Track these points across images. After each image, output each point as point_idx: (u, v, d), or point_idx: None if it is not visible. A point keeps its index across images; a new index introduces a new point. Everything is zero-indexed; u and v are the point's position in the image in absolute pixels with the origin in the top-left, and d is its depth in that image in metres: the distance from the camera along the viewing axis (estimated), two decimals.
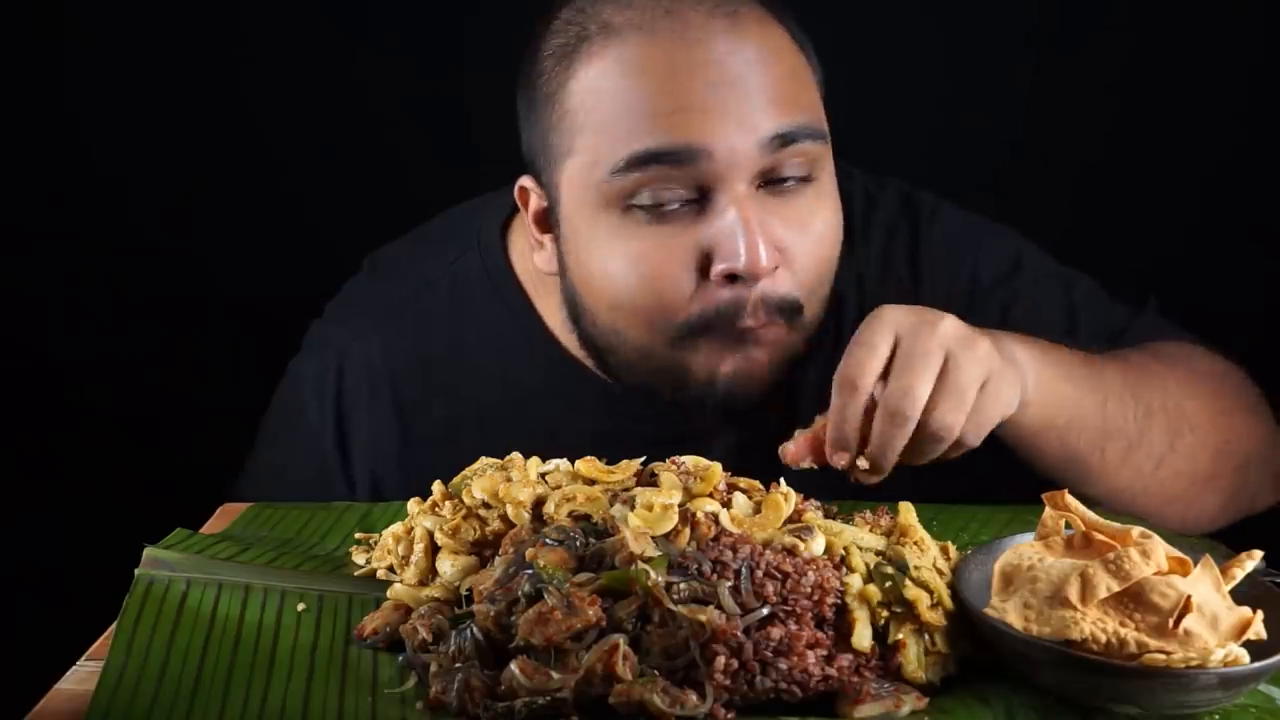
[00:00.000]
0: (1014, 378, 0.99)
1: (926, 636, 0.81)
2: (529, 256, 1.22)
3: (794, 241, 1.09)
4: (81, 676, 0.85)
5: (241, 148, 1.94)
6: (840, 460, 0.95)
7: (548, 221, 1.17)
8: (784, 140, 1.07)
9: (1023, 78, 1.91)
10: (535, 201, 1.17)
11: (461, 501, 0.96)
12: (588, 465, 0.96)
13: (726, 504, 0.89)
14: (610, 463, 0.97)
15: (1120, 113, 1.90)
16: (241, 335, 1.90)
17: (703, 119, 1.05)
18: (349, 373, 1.27)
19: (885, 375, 0.94)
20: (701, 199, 1.07)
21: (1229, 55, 1.87)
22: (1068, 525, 0.85)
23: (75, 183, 1.95)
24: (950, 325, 0.95)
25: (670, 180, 1.06)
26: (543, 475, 0.97)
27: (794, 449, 0.98)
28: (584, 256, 1.13)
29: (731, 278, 1.07)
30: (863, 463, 0.95)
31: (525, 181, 1.18)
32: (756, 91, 1.06)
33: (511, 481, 0.94)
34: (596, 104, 1.08)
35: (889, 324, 0.95)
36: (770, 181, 1.08)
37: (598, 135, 1.08)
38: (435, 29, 1.91)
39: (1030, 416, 1.03)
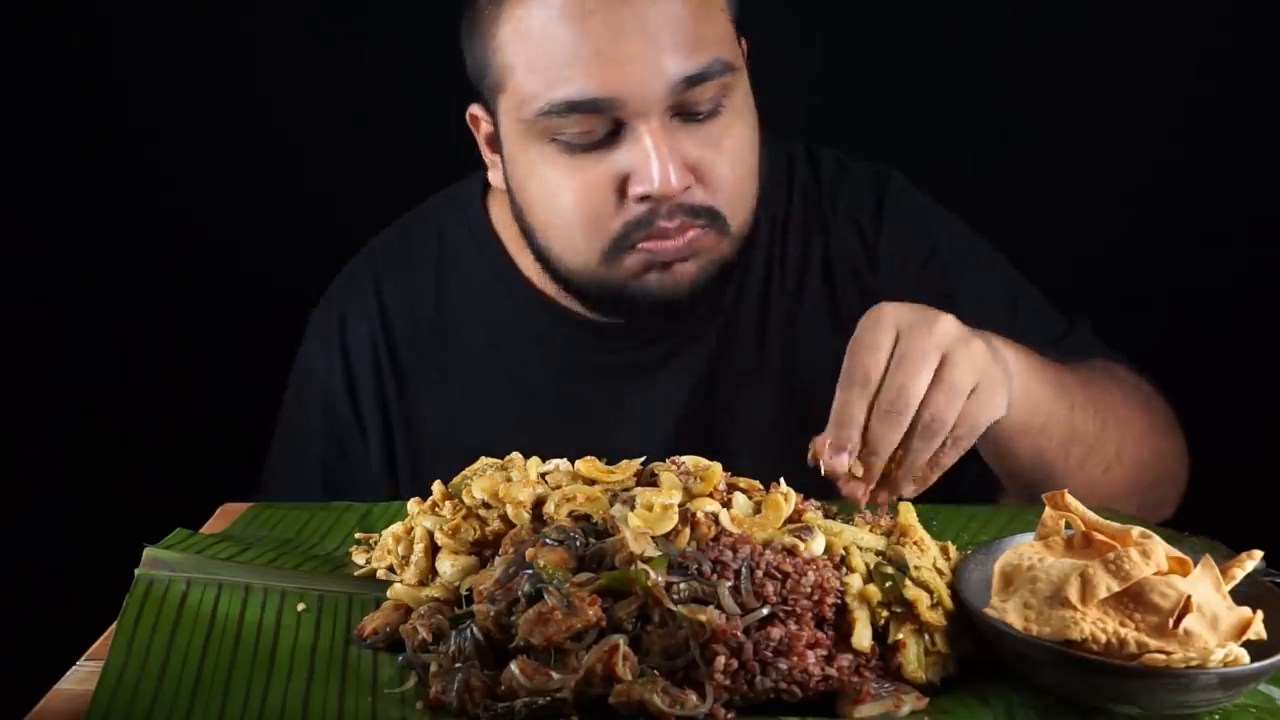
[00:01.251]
0: (1003, 380, 1.01)
1: (926, 636, 0.81)
2: (507, 215, 1.31)
3: (708, 160, 1.18)
4: (81, 676, 0.85)
5: (242, 156, 1.94)
6: (840, 463, 0.96)
7: (497, 143, 1.27)
8: (693, 81, 1.14)
9: (997, 79, 1.93)
10: (485, 126, 1.28)
11: (461, 501, 0.96)
12: (588, 465, 0.96)
13: (726, 504, 0.89)
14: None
15: (1089, 118, 1.92)
16: (242, 336, 1.90)
17: (615, 68, 1.12)
18: (351, 326, 1.38)
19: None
20: (619, 129, 1.16)
21: (1197, 51, 1.88)
22: (1068, 525, 0.85)
23: (74, 184, 1.96)
24: (948, 324, 0.97)
25: (588, 121, 1.15)
26: (543, 475, 0.97)
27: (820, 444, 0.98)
28: (522, 180, 1.23)
29: (646, 198, 1.16)
30: (857, 469, 0.95)
31: (474, 110, 1.28)
32: (665, 35, 1.13)
33: (511, 481, 0.94)
34: (522, 46, 1.16)
35: (889, 322, 0.97)
36: (684, 112, 1.16)
37: (524, 77, 1.16)
38: (430, 35, 1.91)
39: (1013, 417, 1.05)
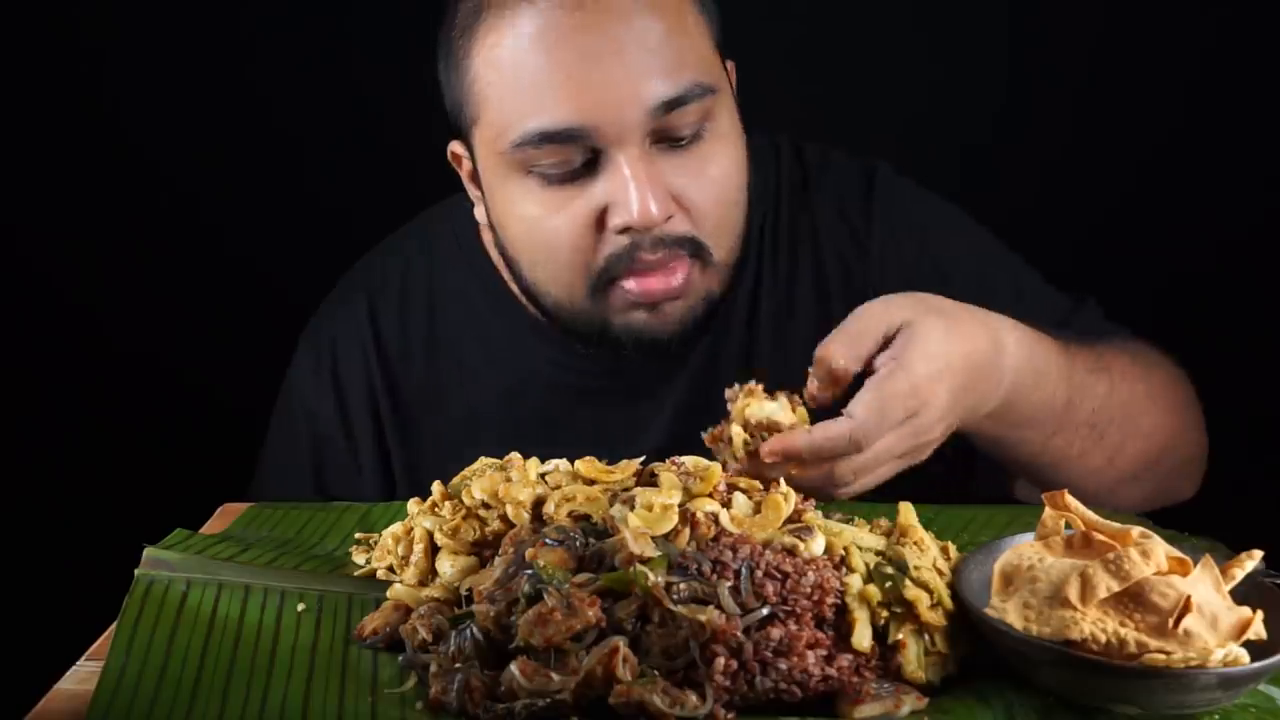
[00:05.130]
0: (994, 384, 1.02)
1: (926, 636, 0.81)
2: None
3: (690, 189, 1.14)
4: (81, 676, 0.85)
5: (243, 162, 1.94)
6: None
7: (478, 179, 1.24)
8: (671, 105, 1.11)
9: (1000, 68, 1.93)
10: (466, 163, 1.25)
11: (461, 502, 0.96)
12: (587, 465, 0.96)
13: (726, 504, 0.89)
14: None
15: (1090, 105, 1.92)
16: (241, 336, 1.90)
17: (589, 95, 1.09)
18: (342, 339, 1.37)
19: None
20: (597, 158, 1.12)
21: (1199, 43, 1.88)
22: (1068, 525, 0.85)
23: (74, 184, 1.95)
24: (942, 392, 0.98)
25: (564, 152, 1.11)
26: (542, 475, 0.97)
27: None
28: (502, 215, 1.20)
29: (626, 229, 1.12)
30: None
31: (455, 147, 1.25)
32: (642, 59, 1.09)
33: (511, 481, 0.94)
34: (494, 77, 1.13)
35: (890, 313, 0.99)
36: (665, 138, 1.13)
37: (497, 109, 1.14)
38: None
39: (1009, 402, 1.05)
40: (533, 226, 1.16)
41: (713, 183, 1.15)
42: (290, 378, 1.40)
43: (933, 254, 1.30)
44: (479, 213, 1.27)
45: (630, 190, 1.10)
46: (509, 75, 1.11)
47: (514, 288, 1.30)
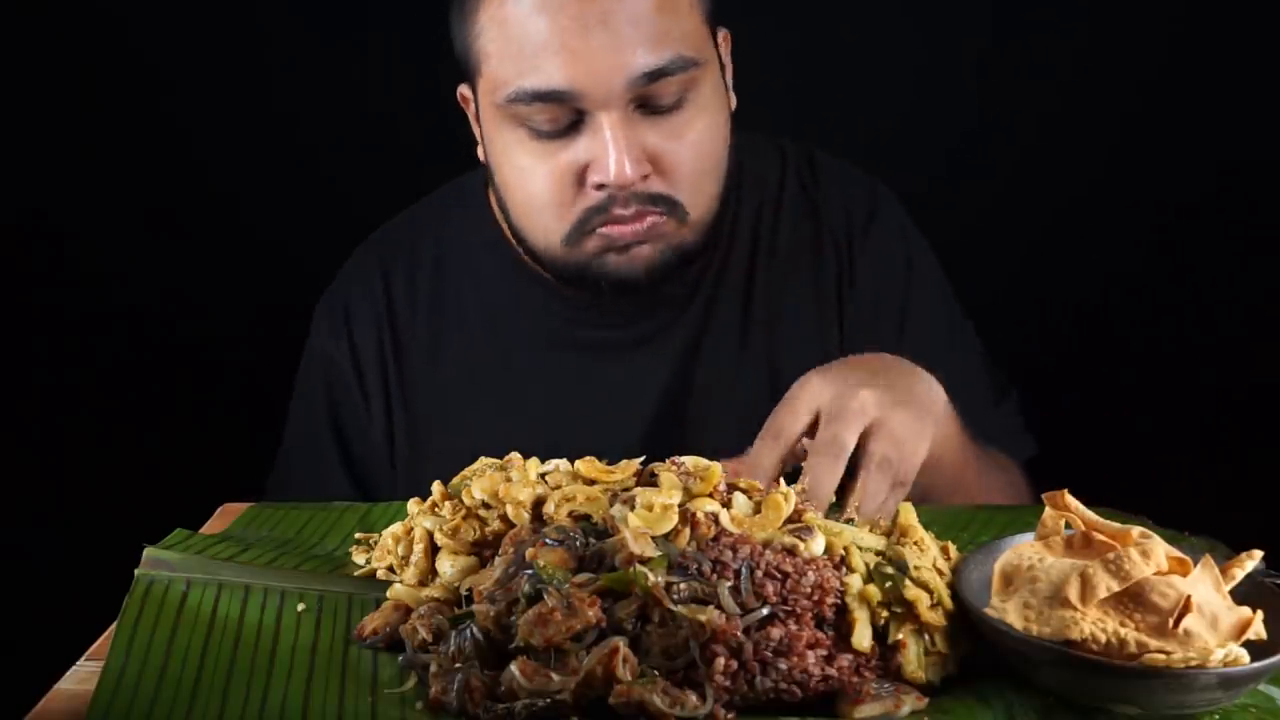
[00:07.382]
0: (929, 430, 1.05)
1: (926, 636, 0.81)
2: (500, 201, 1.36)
3: (668, 152, 1.22)
4: (81, 676, 0.85)
5: (247, 153, 1.94)
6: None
7: (480, 122, 1.32)
8: (654, 76, 1.18)
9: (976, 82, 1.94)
10: (471, 105, 1.34)
11: (461, 502, 0.96)
12: (588, 465, 0.96)
13: (726, 504, 0.89)
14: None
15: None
16: (242, 336, 1.90)
17: (578, 61, 1.16)
18: (355, 309, 1.43)
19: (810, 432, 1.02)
20: (582, 119, 1.20)
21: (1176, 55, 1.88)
22: (1068, 525, 0.85)
23: (78, 185, 1.96)
24: (869, 396, 1.02)
25: (553, 111, 1.20)
26: (542, 475, 0.97)
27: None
28: (497, 161, 1.30)
29: (603, 186, 1.21)
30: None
31: (463, 89, 1.34)
32: (630, 30, 1.17)
33: (511, 481, 0.94)
34: (496, 35, 1.21)
35: (815, 390, 1.04)
36: (647, 104, 1.20)
37: (497, 65, 1.22)
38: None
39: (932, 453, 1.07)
40: (521, 175, 1.25)
41: (690, 146, 1.23)
42: (310, 338, 1.46)
43: (905, 293, 1.39)
44: (481, 152, 1.35)
45: (609, 151, 1.18)
46: (511, 34, 1.19)
47: (515, 245, 1.37)
